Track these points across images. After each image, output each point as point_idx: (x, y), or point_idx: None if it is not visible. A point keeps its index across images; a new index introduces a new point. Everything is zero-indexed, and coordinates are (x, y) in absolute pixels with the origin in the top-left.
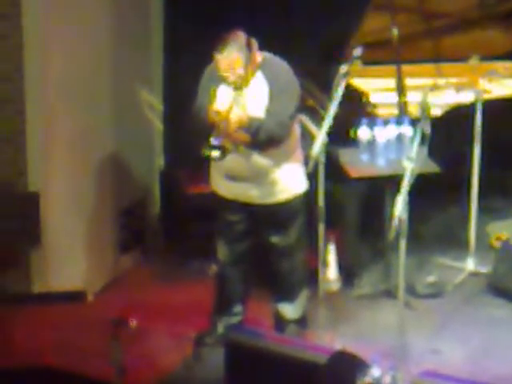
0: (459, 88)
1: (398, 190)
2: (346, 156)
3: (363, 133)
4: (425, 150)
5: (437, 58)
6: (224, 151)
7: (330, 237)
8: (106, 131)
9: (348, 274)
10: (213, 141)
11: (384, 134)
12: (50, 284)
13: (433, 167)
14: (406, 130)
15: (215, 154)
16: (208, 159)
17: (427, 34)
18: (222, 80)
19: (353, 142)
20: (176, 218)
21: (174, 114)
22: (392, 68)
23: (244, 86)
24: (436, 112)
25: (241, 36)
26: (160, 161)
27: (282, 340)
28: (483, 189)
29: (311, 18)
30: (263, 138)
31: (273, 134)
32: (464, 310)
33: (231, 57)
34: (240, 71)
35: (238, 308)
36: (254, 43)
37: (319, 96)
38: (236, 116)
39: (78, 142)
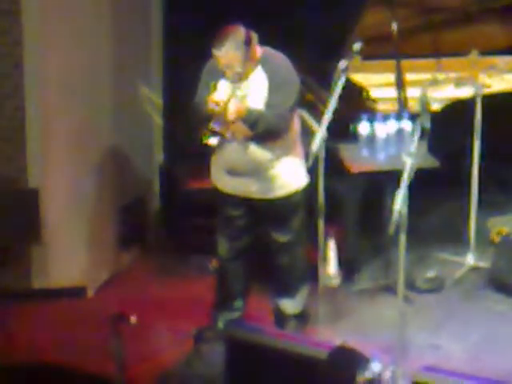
0: (459, 82)
1: (397, 184)
2: (345, 151)
3: (363, 128)
4: (425, 144)
5: (436, 52)
6: (223, 137)
7: (330, 232)
8: (106, 127)
9: (348, 269)
10: (212, 125)
11: (384, 129)
12: (51, 280)
13: (432, 162)
14: (406, 124)
15: (214, 140)
16: (206, 145)
17: (427, 29)
18: (222, 74)
19: (353, 137)
20: (176, 213)
21: (173, 109)
22: (392, 63)
23: (243, 80)
24: (436, 107)
25: (240, 31)
26: (160, 156)
27: (282, 335)
28: (483, 183)
29: (311, 12)
30: (262, 130)
31: (271, 126)
32: (464, 304)
33: (229, 54)
34: (238, 69)
35: (238, 303)
36: (254, 37)
37: (319, 91)
38: (234, 107)
39: (77, 138)
